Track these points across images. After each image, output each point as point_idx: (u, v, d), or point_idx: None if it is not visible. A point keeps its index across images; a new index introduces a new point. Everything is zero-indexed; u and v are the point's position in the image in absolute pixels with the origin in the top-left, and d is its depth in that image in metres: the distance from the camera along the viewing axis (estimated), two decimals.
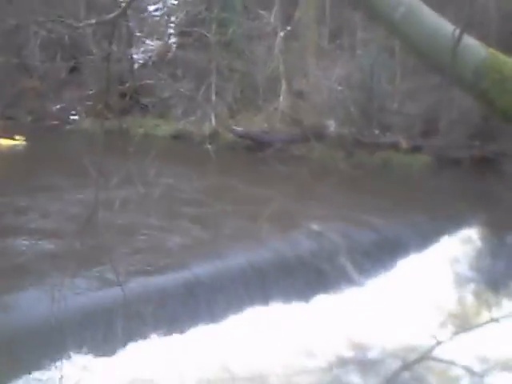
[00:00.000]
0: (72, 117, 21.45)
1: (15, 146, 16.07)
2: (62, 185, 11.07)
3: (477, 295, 8.03)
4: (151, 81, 21.30)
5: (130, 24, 20.85)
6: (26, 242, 8.37)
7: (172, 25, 22.97)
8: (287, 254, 8.56)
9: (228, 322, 7.27)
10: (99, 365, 6.30)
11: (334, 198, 11.04)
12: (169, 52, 22.37)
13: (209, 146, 15.86)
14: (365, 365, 3.89)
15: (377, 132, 17.28)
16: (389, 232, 9.67)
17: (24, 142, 16.24)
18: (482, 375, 4.42)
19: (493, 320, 3.87)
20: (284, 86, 18.37)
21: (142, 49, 22.44)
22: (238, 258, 8.38)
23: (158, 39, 22.82)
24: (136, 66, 22.15)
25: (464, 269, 8.83)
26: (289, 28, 20.07)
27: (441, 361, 4.10)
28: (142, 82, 21.17)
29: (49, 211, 9.85)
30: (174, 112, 20.59)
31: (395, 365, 3.31)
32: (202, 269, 7.97)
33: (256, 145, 17.10)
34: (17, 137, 16.32)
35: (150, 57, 22.31)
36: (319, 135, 16.32)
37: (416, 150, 16.14)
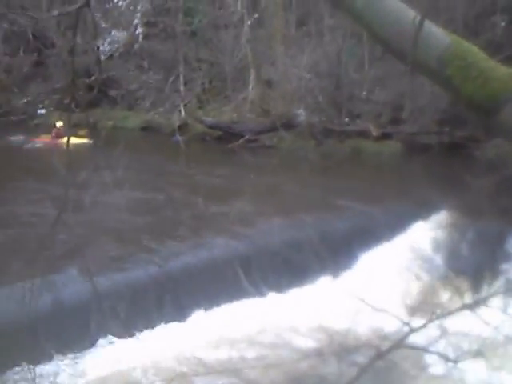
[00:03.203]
0: (39, 111, 21.17)
1: None
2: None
3: (448, 281, 8.06)
4: (119, 72, 21.10)
5: (95, 15, 20.59)
6: None
7: (138, 15, 22.73)
8: (260, 246, 8.53)
9: (199, 315, 7.25)
10: (74, 361, 6.24)
11: (304, 189, 11.04)
12: (135, 43, 22.19)
13: (179, 138, 15.82)
14: (339, 354, 3.87)
15: (346, 120, 17.29)
16: (360, 220, 9.69)
17: None
18: (455, 361, 4.44)
19: (465, 306, 3.88)
20: (252, 75, 18.33)
21: (108, 40, 22.20)
22: (209, 251, 8.34)
23: (123, 30, 22.57)
24: (103, 57, 21.90)
25: (435, 255, 8.88)
26: (256, 16, 20.01)
27: (414, 348, 4.10)
28: (109, 74, 20.96)
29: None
30: (142, 104, 20.43)
31: (369, 353, 3.31)
32: (172, 262, 7.93)
33: (226, 135, 17.03)
34: None
35: (116, 48, 22.09)
36: (289, 124, 16.32)
37: (386, 137, 16.20)
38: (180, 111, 18.92)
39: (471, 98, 2.58)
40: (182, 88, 19.59)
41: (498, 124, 2.58)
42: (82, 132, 16.11)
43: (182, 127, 17.73)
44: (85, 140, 16.00)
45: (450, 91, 2.71)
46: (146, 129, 19.01)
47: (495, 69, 2.59)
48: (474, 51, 2.63)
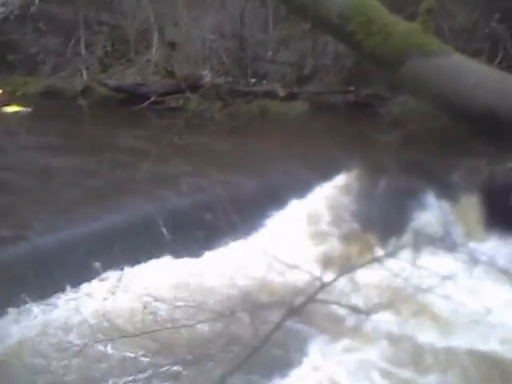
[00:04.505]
0: None
1: None
2: None
3: (358, 237, 8.22)
4: (16, 36, 20.37)
5: None
6: None
7: None
8: (170, 208, 8.43)
9: (110, 276, 7.13)
10: None
11: (211, 150, 10.97)
12: (31, 5, 21.37)
13: (81, 102, 15.49)
14: (252, 312, 3.88)
15: (253, 81, 17.27)
16: (268, 180, 9.70)
17: None
18: (367, 313, 4.50)
19: (375, 259, 3.92)
20: (156, 37, 18.02)
21: (0, 2, 21.30)
22: (118, 215, 8.19)
23: None
24: None
25: (344, 211, 9.00)
26: None
27: (326, 302, 4.13)
28: (5, 38, 20.22)
29: None
30: (42, 68, 19.76)
31: (282, 310, 3.29)
32: (82, 227, 7.74)
33: (131, 98, 16.71)
34: None
35: (11, 10, 21.22)
36: (195, 86, 16.14)
37: (292, 97, 16.29)
38: (82, 75, 18.44)
39: (373, 53, 2.58)
40: (83, 51, 19.05)
41: (401, 79, 2.59)
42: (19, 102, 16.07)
43: (85, 91, 17.33)
44: (22, 108, 15.82)
45: (353, 47, 2.71)
46: (48, 94, 18.45)
47: (397, 24, 2.60)
48: (375, 6, 2.62)
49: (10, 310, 6.30)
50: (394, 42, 2.58)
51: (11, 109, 15.99)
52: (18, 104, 16.20)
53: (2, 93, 16.51)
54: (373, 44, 2.59)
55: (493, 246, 8.50)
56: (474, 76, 2.54)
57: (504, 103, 2.55)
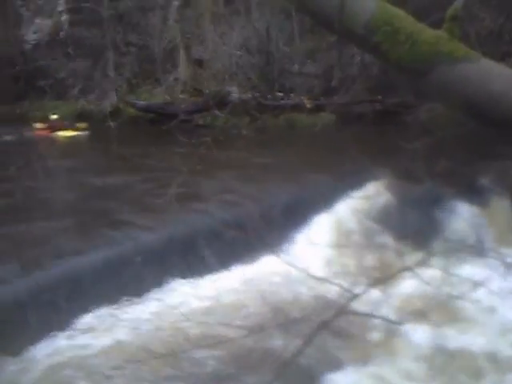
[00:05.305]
0: None
1: None
2: None
3: (388, 246, 8.12)
4: (45, 62, 20.72)
5: (16, 2, 20.20)
6: None
7: (61, 1, 22.23)
8: (200, 226, 8.44)
9: (145, 297, 7.13)
10: (12, 362, 6.03)
11: (238, 165, 11.02)
12: (61, 30, 21.72)
13: (111, 123, 15.69)
14: (285, 326, 3.88)
15: (280, 95, 17.32)
16: (297, 192, 9.67)
17: None
18: (399, 323, 4.44)
19: (406, 268, 3.89)
20: (183, 56, 18.18)
21: (32, 29, 21.69)
22: (151, 234, 8.20)
23: (48, 17, 22.09)
24: (27, 47, 21.43)
25: (373, 222, 8.90)
26: None
27: (358, 314, 4.10)
28: (36, 64, 20.58)
29: None
30: (72, 92, 20.05)
31: (315, 322, 3.27)
32: (118, 247, 7.76)
33: (159, 117, 16.87)
34: None
35: (41, 37, 21.60)
36: (222, 103, 16.26)
37: (319, 109, 16.29)
38: (111, 96, 18.66)
39: (400, 62, 2.58)
40: (111, 73, 19.28)
41: (429, 86, 2.58)
42: (80, 125, 16.48)
43: (114, 112, 17.51)
44: (80, 132, 16.21)
45: (379, 57, 2.72)
46: (78, 117, 18.69)
47: (423, 32, 2.59)
48: (400, 16, 2.62)
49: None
50: (421, 49, 2.58)
51: (67, 133, 16.34)
52: (74, 129, 16.47)
53: (57, 118, 16.88)
54: (399, 53, 2.59)
55: None
56: (502, 81, 2.53)
57: None
